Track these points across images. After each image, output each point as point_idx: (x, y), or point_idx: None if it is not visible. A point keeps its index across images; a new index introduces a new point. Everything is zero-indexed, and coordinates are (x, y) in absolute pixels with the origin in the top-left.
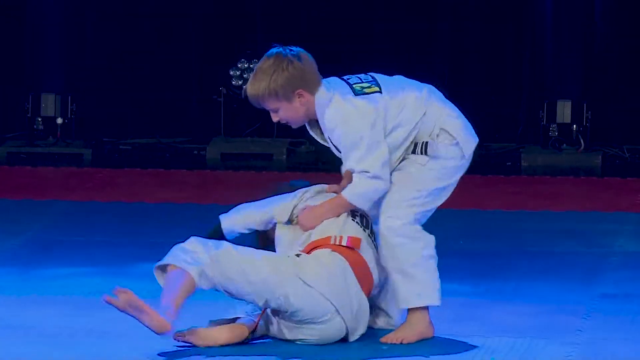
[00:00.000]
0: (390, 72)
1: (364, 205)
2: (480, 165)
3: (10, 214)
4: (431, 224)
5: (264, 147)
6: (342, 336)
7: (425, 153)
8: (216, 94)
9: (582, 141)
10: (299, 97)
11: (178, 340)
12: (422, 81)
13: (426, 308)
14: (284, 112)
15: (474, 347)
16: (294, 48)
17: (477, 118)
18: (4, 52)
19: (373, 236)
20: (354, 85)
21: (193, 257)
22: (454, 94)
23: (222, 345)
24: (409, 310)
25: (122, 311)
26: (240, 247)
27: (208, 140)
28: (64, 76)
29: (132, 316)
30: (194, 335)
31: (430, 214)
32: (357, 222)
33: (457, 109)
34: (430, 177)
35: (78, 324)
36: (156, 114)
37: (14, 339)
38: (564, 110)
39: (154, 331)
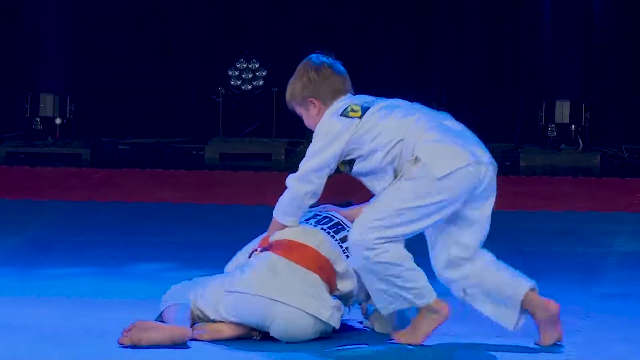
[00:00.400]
0: (389, 73)
1: (279, 217)
2: None
3: (9, 213)
4: None
5: (263, 147)
6: (314, 324)
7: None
8: (215, 94)
9: (580, 141)
10: (313, 106)
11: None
12: (420, 81)
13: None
14: (305, 118)
15: (473, 347)
16: (324, 58)
17: (476, 118)
18: (2, 52)
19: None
20: (348, 106)
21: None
22: (453, 94)
23: (226, 339)
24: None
25: (138, 345)
26: (212, 277)
27: (207, 140)
28: (62, 76)
29: (150, 344)
30: (200, 329)
31: (405, 234)
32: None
33: (444, 135)
34: (397, 196)
35: (77, 323)
36: (155, 114)
37: (12, 339)
38: (563, 110)
39: (175, 342)
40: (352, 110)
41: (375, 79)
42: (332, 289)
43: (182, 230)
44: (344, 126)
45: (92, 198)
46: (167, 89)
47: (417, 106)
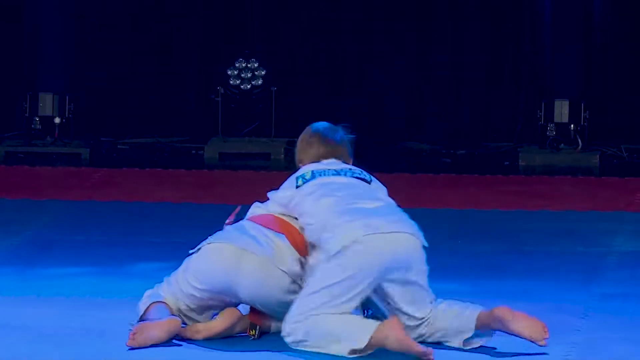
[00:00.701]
0: (389, 73)
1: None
2: (478, 165)
3: (8, 213)
4: (429, 223)
5: (262, 147)
6: (282, 277)
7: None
8: (214, 93)
9: (579, 141)
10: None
11: (178, 338)
12: (420, 81)
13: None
14: None
15: (472, 346)
16: (322, 127)
17: (475, 118)
18: (2, 52)
19: None
20: (303, 172)
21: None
22: (453, 94)
23: (220, 333)
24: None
25: (145, 346)
26: None
27: (206, 139)
28: (62, 76)
29: (154, 342)
30: (191, 331)
31: (336, 306)
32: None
33: (349, 216)
34: (311, 285)
35: (76, 323)
36: (154, 113)
37: (12, 339)
38: (562, 110)
39: (171, 333)
40: (303, 178)
41: (376, 79)
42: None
43: (182, 230)
44: (286, 190)
45: (92, 198)
46: (166, 89)
47: (343, 185)
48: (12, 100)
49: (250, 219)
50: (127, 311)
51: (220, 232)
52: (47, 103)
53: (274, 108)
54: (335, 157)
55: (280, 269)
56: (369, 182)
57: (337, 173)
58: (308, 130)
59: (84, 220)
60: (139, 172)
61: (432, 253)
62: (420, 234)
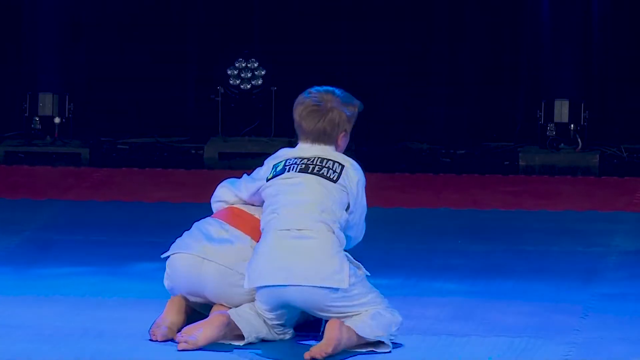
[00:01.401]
0: (390, 73)
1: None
2: (478, 165)
3: (7, 213)
4: (430, 224)
5: (262, 147)
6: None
7: None
8: (214, 93)
9: (579, 140)
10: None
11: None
12: (420, 81)
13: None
14: None
15: (472, 346)
16: (309, 93)
17: (475, 117)
18: (1, 52)
19: None
20: (277, 161)
21: None
22: (452, 94)
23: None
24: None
25: (171, 336)
26: None
27: (206, 139)
28: (61, 75)
29: (177, 327)
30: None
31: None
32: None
33: (265, 249)
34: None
35: (76, 323)
36: (154, 113)
37: (11, 339)
38: (562, 110)
39: (180, 311)
40: (275, 169)
41: (376, 79)
42: None
43: (182, 230)
44: (256, 182)
45: (91, 197)
46: (166, 89)
47: (297, 198)
48: (12, 100)
49: (216, 216)
50: (126, 311)
51: (186, 234)
52: (46, 103)
53: (274, 108)
54: (323, 134)
55: (242, 273)
56: (334, 182)
57: (305, 169)
58: (301, 100)
59: (84, 220)
60: (139, 172)
61: (432, 253)
62: (332, 279)
